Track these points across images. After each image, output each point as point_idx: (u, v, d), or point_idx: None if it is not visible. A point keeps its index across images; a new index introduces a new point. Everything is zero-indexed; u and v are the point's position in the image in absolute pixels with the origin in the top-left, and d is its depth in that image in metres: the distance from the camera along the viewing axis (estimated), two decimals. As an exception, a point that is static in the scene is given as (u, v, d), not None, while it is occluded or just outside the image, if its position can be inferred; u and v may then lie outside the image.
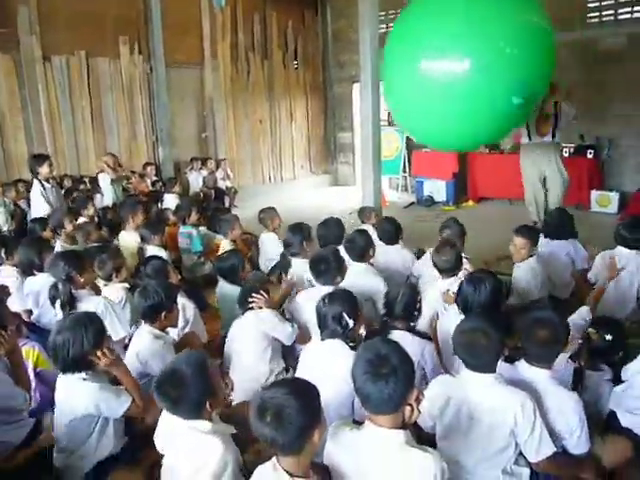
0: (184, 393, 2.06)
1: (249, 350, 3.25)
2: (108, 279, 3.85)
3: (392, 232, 4.58)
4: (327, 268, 3.47)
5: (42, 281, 3.75)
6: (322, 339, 2.82)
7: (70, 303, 3.31)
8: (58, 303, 3.30)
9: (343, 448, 1.96)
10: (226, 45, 10.67)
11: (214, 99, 10.51)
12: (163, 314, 3.03)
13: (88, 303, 3.34)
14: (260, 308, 3.29)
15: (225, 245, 5.12)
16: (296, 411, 1.73)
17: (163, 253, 4.70)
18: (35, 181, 5.71)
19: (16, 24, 8.05)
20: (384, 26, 10.80)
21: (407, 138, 10.75)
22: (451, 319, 3.03)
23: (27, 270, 4.00)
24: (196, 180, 9.46)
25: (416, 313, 3.09)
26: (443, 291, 3.41)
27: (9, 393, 2.66)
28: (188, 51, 10.15)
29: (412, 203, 10.21)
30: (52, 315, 3.44)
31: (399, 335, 2.87)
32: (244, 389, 2.94)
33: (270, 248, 5.29)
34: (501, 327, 2.38)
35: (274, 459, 1.84)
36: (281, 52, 11.72)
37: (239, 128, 11.06)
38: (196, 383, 2.07)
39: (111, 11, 8.95)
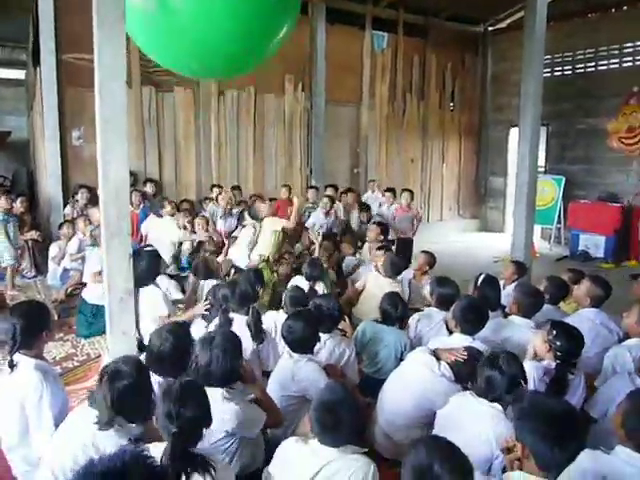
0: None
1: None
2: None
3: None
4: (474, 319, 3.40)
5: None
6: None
7: None
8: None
9: None
10: (384, 85, 10.93)
11: (368, 137, 10.76)
12: None
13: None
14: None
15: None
16: None
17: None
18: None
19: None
20: (548, 70, 10.46)
21: (564, 187, 10.22)
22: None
23: None
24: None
25: None
26: None
27: None
28: (347, 90, 10.51)
29: (565, 257, 9.62)
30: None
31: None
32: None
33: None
34: None
35: None
36: (438, 93, 11.73)
37: (390, 166, 11.18)
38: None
39: (281, 52, 9.52)
